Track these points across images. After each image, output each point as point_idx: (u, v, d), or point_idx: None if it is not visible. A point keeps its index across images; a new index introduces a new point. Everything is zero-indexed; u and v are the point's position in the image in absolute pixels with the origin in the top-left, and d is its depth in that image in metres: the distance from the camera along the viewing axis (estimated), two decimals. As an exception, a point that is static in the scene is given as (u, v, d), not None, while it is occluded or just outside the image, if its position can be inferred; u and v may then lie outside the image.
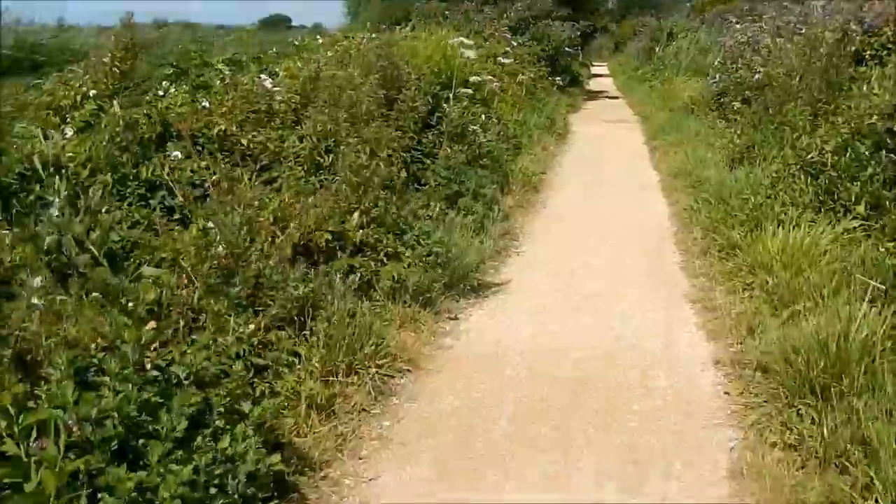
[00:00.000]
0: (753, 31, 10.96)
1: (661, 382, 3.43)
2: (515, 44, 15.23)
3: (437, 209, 5.24)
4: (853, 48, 7.22)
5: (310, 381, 2.95)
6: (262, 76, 6.06)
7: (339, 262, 3.91)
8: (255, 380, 2.85)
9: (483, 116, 7.20)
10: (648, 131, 12.57)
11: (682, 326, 4.07)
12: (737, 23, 11.68)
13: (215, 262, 3.37)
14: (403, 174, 5.70)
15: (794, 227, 4.79)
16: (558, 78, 15.72)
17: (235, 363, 2.58)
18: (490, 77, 7.46)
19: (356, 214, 4.12)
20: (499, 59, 10.32)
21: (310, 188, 4.71)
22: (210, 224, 3.44)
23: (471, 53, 6.39)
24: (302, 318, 3.35)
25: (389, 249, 4.18)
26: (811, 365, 2.95)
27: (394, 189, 5.37)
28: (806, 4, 10.14)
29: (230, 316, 3.02)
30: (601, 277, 4.95)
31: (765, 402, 3.03)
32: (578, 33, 19.90)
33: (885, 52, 7.12)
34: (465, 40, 6.74)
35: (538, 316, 4.24)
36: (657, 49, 22.64)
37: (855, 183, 5.04)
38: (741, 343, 3.68)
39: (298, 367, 3.05)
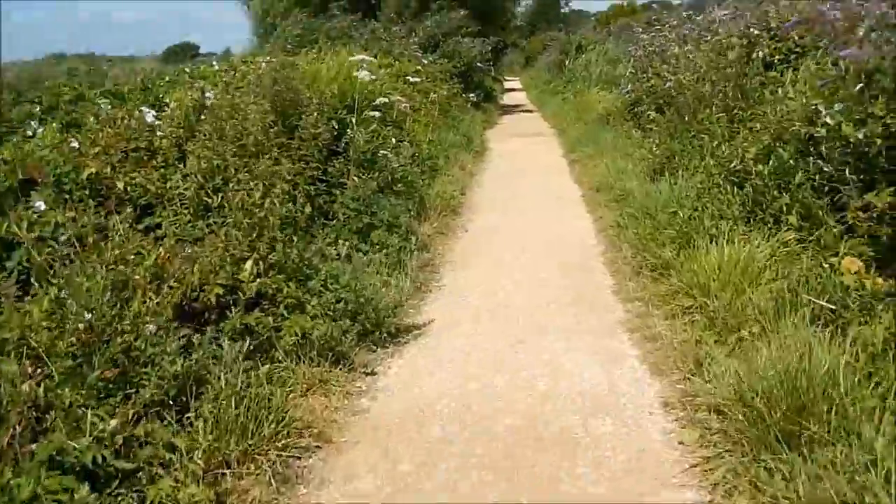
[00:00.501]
0: (660, 41, 10.96)
1: (607, 429, 3.03)
2: (426, 61, 14.93)
3: (347, 246, 4.74)
4: (761, 53, 7.14)
5: (191, 485, 2.40)
6: (145, 109, 5.46)
7: (230, 322, 3.36)
8: (122, 490, 2.29)
9: (394, 140, 6.75)
10: (566, 144, 12.44)
11: (623, 361, 3.71)
12: (643, 33, 11.67)
13: (73, 338, 2.79)
14: (308, 209, 5.21)
15: (727, 242, 4.53)
16: (472, 94, 15.47)
17: (81, 487, 2.01)
18: (399, 98, 7.02)
19: (249, 262, 3.58)
20: (408, 77, 9.91)
21: (197, 233, 4.16)
22: (63, 293, 2.85)
23: (365, 74, 5.92)
24: (184, 399, 2.80)
25: (291, 300, 3.66)
26: (772, 406, 2.61)
27: (297, 227, 4.87)
28: (708, 13, 10.20)
29: (88, 408, 2.45)
30: (531, 308, 4.56)
31: (726, 452, 2.66)
32: (489, 49, 19.78)
33: (793, 57, 7.08)
34: (366, 57, 6.28)
35: (465, 361, 3.79)
36: (567, 62, 22.82)
37: (783, 192, 4.84)
38: (689, 379, 3.32)
39: (178, 465, 2.50)
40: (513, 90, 34.74)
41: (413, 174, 6.68)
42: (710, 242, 4.70)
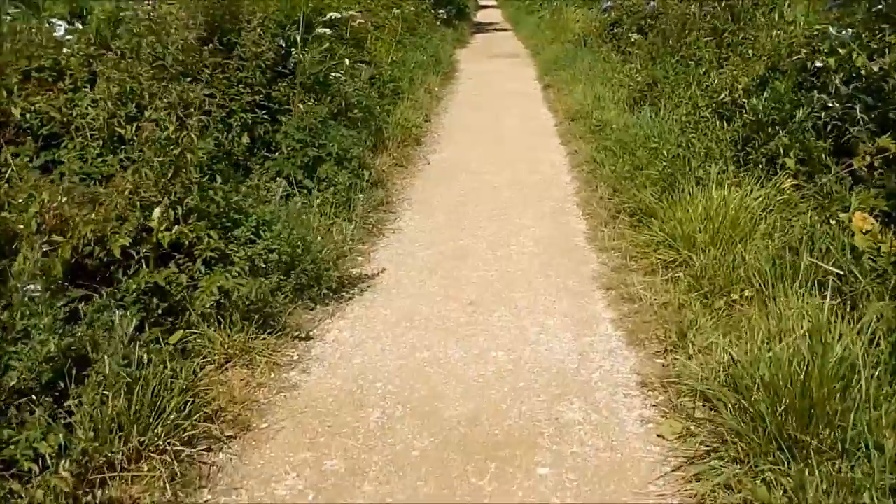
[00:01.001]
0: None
1: (574, 416, 2.59)
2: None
3: (286, 185, 4.17)
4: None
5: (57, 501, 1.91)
6: (56, 21, 4.72)
7: (135, 280, 2.82)
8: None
9: (350, 60, 6.05)
10: (540, 66, 11.72)
11: (596, 326, 3.25)
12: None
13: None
14: (245, 140, 4.60)
15: (715, 187, 4.04)
16: (441, 11, 14.52)
17: None
18: (354, 13, 6.28)
19: (158, 209, 3.01)
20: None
21: (107, 170, 3.55)
22: None
23: None
24: (64, 385, 2.28)
25: (212, 253, 3.11)
26: (773, 402, 2.17)
27: (231, 161, 4.28)
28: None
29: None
30: (495, 259, 4.06)
31: (714, 453, 2.23)
32: (462, -40, 18.59)
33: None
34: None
35: (415, 324, 3.31)
36: (544, -22, 21.64)
37: (780, 130, 4.34)
38: (670, 352, 2.89)
39: (46, 472, 2.00)
40: (487, 7, 33.23)
41: (370, 99, 6.02)
42: (696, 185, 4.22)
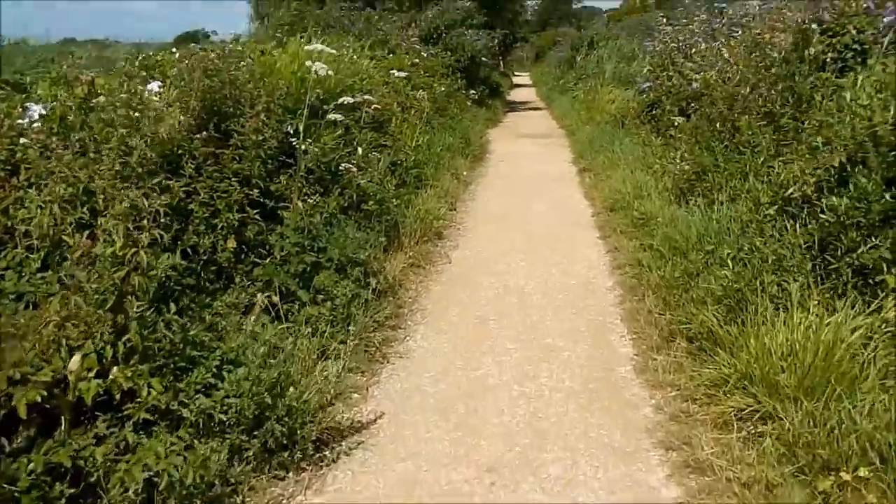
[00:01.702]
0: (685, 35, 9.64)
1: None
2: (425, 54, 13.65)
3: (267, 303, 3.49)
4: (813, 50, 5.81)
5: None
6: (32, 105, 4.22)
7: (32, 459, 2.11)
8: None
9: (360, 149, 5.46)
10: (576, 148, 11.15)
11: (655, 511, 2.44)
12: (666, 24, 10.35)
13: None
14: (232, 244, 3.97)
15: (797, 310, 3.25)
16: (472, 91, 14.16)
17: None
18: (370, 97, 5.72)
19: (76, 356, 2.32)
20: (393, 72, 8.62)
21: (47, 289, 2.90)
22: None
23: (319, 67, 4.64)
24: None
25: (147, 414, 2.39)
26: None
27: (212, 271, 3.64)
28: (742, 4, 8.88)
29: None
30: (522, 397, 3.28)
31: None
32: (495, 41, 18.45)
33: (850, 55, 5.76)
34: (326, 49, 5.00)
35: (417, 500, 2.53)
36: (578, 58, 21.46)
37: (865, 234, 3.57)
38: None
39: None
40: (521, 86, 33.43)
41: (385, 191, 5.39)
42: (771, 305, 3.43)
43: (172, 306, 2.81)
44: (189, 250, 3.84)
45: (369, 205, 5.25)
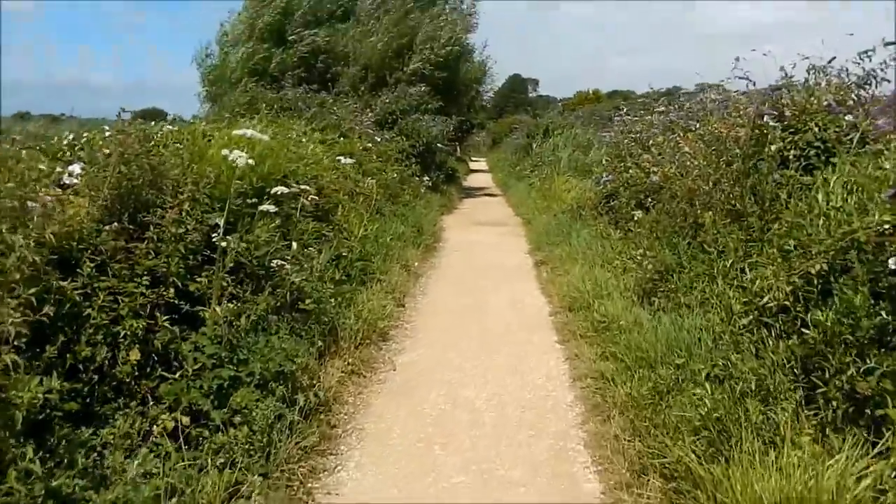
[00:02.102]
0: (643, 126, 9.58)
1: None
2: (379, 139, 13.44)
3: (166, 432, 2.90)
4: (774, 147, 5.61)
5: None
6: None
7: None
8: None
9: (295, 244, 4.97)
10: (532, 238, 10.85)
11: None
12: (627, 113, 10.31)
13: None
14: (135, 355, 3.40)
15: (788, 447, 2.79)
16: (426, 177, 13.92)
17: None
18: (308, 188, 5.26)
19: None
20: (339, 159, 8.24)
21: None
22: None
23: (238, 156, 4.19)
24: None
25: None
26: None
27: (109, 388, 3.06)
28: (698, 100, 8.85)
29: None
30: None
31: None
32: (451, 127, 18.44)
33: (813, 153, 5.57)
34: (256, 134, 4.59)
35: None
36: (534, 145, 21.67)
37: (853, 353, 3.19)
38: None
39: None
40: (478, 171, 33.73)
41: (323, 290, 4.87)
42: (756, 438, 2.97)
43: (30, 450, 2.22)
44: (81, 365, 3.27)
45: (305, 304, 4.73)
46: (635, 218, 7.39)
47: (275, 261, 4.42)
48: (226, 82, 19.63)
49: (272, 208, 4.46)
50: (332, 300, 4.91)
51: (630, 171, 9.31)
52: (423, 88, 18.04)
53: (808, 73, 6.22)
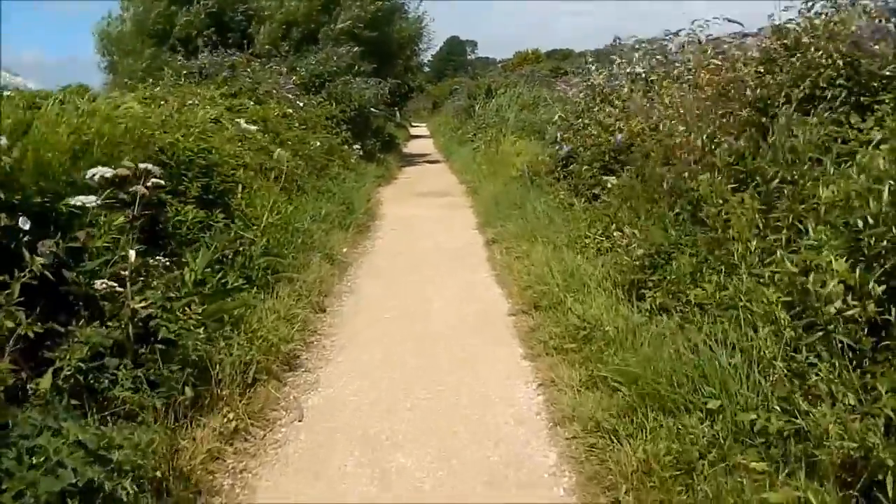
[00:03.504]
0: (605, 78, 8.22)
1: None
2: (301, 104, 11.79)
3: None
4: (804, 85, 4.32)
5: None
6: None
7: None
8: None
9: (133, 253, 3.43)
10: (480, 210, 9.48)
11: None
12: (593, 64, 8.92)
13: None
14: None
15: None
16: (358, 145, 12.33)
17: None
18: (147, 166, 3.60)
19: None
20: (241, 123, 6.64)
21: None
22: None
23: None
24: None
25: None
26: None
27: None
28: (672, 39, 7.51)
29: None
30: None
31: None
32: (386, 90, 16.80)
33: (840, 91, 4.30)
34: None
35: None
36: (476, 107, 20.16)
37: None
38: None
39: None
40: (419, 137, 32.10)
41: (181, 321, 3.34)
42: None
43: None
44: None
45: (175, 338, 3.24)
46: (608, 185, 6.04)
47: (99, 281, 2.91)
48: (123, 48, 17.41)
49: (88, 200, 2.93)
50: (203, 328, 3.41)
51: (589, 128, 7.99)
52: (353, 48, 16.30)
53: (825, -7, 4.92)
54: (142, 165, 3.19)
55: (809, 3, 5.09)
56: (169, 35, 16.63)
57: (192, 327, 3.25)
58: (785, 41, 4.96)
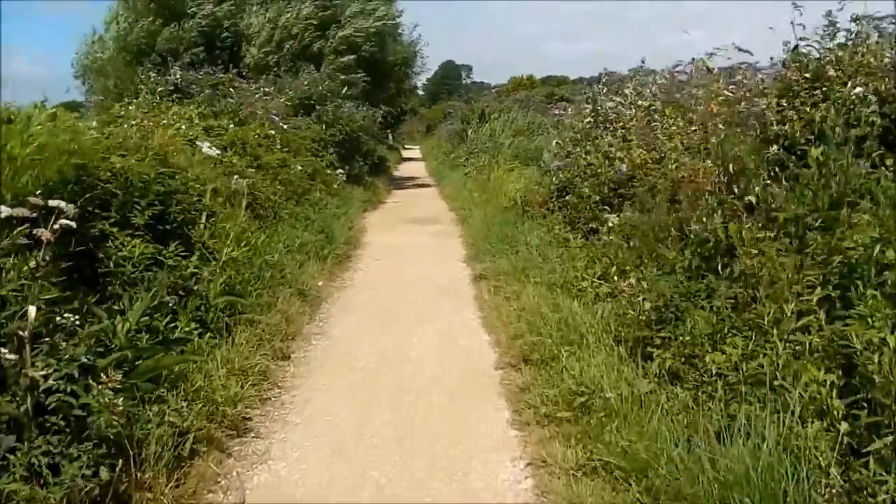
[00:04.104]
0: (609, 103, 7.72)
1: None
2: (285, 126, 11.26)
3: None
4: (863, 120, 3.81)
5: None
6: None
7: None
8: None
9: (34, 310, 2.85)
10: (469, 241, 8.92)
11: None
12: (604, 87, 8.42)
13: None
14: None
15: None
16: (339, 171, 11.78)
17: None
18: (58, 203, 3.00)
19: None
20: (203, 146, 6.09)
21: None
22: None
23: None
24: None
25: None
26: None
27: None
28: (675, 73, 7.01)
29: None
30: None
31: None
32: (376, 115, 16.31)
33: (877, 129, 3.79)
34: None
35: None
36: (469, 131, 19.69)
37: None
38: None
39: None
40: (411, 159, 31.63)
41: (99, 394, 2.75)
42: None
43: None
44: None
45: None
46: (609, 224, 5.50)
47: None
48: (98, 65, 16.80)
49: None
50: (128, 393, 2.82)
51: (588, 156, 7.49)
52: (348, 64, 15.80)
53: (854, 24, 4.44)
54: (53, 202, 2.62)
55: (829, 30, 4.63)
56: (150, 52, 16.11)
57: (108, 398, 2.66)
58: (806, 73, 4.47)
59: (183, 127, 7.95)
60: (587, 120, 7.87)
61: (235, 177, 5.62)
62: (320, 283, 6.53)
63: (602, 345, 4.03)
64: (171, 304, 3.91)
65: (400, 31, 20.61)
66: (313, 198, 9.36)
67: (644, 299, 3.90)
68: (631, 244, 5.36)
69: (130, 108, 9.58)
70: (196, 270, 4.34)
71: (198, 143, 5.76)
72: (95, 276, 3.85)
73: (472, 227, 9.80)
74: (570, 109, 10.24)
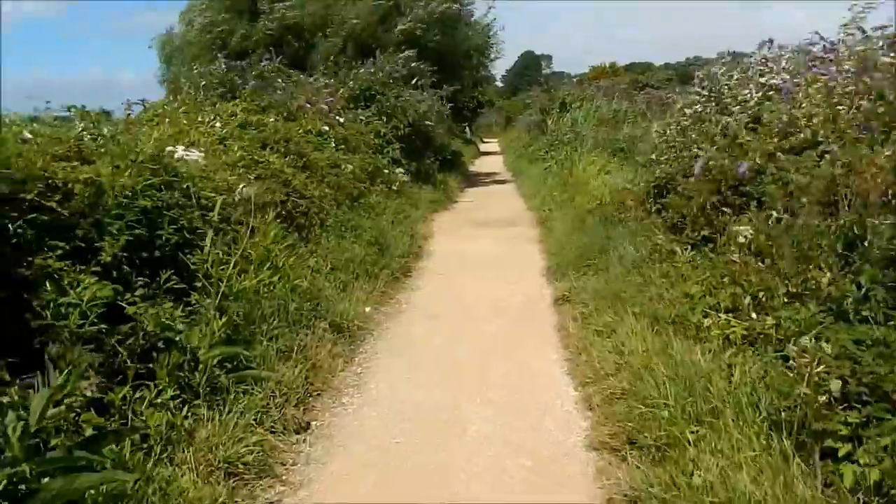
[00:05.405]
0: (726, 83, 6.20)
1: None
2: (342, 119, 10.20)
3: None
4: None
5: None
6: None
7: None
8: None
9: None
10: (551, 251, 7.58)
11: None
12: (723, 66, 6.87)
13: None
14: None
15: None
16: (399, 169, 10.61)
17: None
18: None
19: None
20: (175, 150, 4.93)
21: None
22: None
23: None
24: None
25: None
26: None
27: None
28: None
29: None
30: None
31: None
32: (445, 103, 15.10)
33: None
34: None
35: None
36: (549, 122, 18.23)
37: None
38: None
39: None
40: (489, 153, 30.37)
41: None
42: None
43: None
44: None
45: None
46: (740, 239, 4.08)
47: None
48: (180, 61, 16.63)
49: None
50: None
51: (694, 149, 6.05)
52: (411, 55, 14.69)
53: None
54: None
55: None
56: (225, 47, 15.66)
57: None
58: None
59: (217, 125, 6.99)
60: (698, 105, 6.37)
61: (242, 185, 4.50)
62: (367, 310, 5.38)
63: (749, 428, 2.68)
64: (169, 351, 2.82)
65: (472, 15, 19.33)
66: (369, 201, 8.23)
67: (826, 371, 2.51)
68: (765, 261, 4.00)
69: (174, 105, 8.75)
70: (168, 322, 3.21)
71: (169, 148, 4.62)
72: (23, 332, 2.79)
73: (552, 231, 8.48)
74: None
